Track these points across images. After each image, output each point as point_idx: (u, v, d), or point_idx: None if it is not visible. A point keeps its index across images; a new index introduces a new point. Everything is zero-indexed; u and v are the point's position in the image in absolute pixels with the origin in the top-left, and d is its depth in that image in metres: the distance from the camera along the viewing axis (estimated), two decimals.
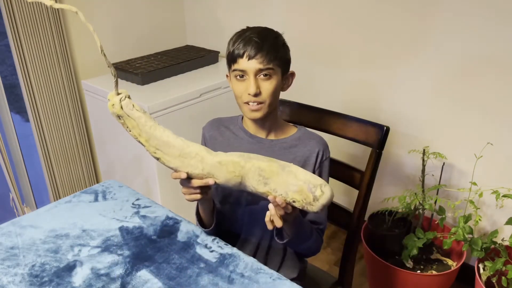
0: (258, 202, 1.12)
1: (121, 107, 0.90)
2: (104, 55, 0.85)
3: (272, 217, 0.91)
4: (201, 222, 1.11)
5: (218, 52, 2.24)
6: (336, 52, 1.94)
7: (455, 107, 1.67)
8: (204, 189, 0.94)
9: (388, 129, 1.18)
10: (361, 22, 1.82)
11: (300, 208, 0.88)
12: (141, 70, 1.98)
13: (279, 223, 0.90)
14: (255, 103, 1.03)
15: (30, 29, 1.87)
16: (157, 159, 0.93)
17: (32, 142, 2.04)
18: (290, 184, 0.86)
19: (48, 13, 1.90)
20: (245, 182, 0.89)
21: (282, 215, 0.90)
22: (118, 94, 0.91)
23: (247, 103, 1.04)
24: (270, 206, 0.90)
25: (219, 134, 1.15)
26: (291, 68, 1.11)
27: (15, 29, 1.83)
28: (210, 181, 0.90)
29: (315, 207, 0.87)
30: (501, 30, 1.48)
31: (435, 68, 1.67)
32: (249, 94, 1.01)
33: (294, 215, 0.94)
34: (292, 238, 1.02)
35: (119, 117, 0.91)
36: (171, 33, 2.46)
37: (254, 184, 0.89)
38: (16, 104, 3.05)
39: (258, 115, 1.05)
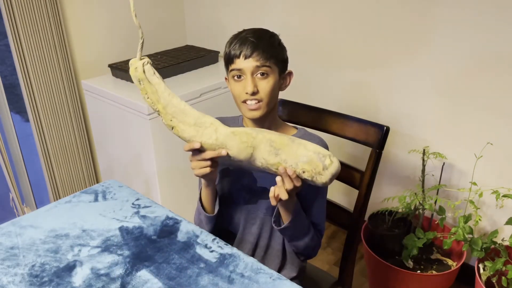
0: (256, 201, 1.12)
1: (143, 71, 0.93)
2: (135, 15, 0.88)
3: (279, 190, 0.92)
4: (203, 209, 1.12)
5: (218, 52, 2.24)
6: (335, 52, 1.94)
7: (455, 107, 1.67)
8: (214, 162, 0.96)
9: (388, 129, 1.19)
10: (360, 22, 1.82)
11: (310, 179, 0.89)
12: None
13: (285, 195, 0.91)
14: (253, 102, 1.03)
15: (30, 29, 1.87)
16: (172, 128, 0.95)
17: (32, 142, 2.04)
18: (300, 155, 0.89)
19: (48, 13, 1.90)
20: (256, 154, 0.91)
21: (289, 189, 0.91)
22: (141, 59, 0.94)
23: (245, 102, 1.04)
24: (278, 179, 0.91)
25: None
26: (291, 68, 1.11)
27: (15, 29, 1.83)
28: (223, 152, 0.92)
29: (324, 176, 0.88)
30: (501, 29, 1.48)
31: (435, 68, 1.67)
32: (246, 93, 1.02)
33: (294, 200, 0.98)
34: (289, 225, 1.03)
35: (140, 81, 0.94)
36: (171, 33, 2.46)
37: (265, 155, 0.91)
38: (16, 104, 3.05)
39: (256, 114, 1.05)
